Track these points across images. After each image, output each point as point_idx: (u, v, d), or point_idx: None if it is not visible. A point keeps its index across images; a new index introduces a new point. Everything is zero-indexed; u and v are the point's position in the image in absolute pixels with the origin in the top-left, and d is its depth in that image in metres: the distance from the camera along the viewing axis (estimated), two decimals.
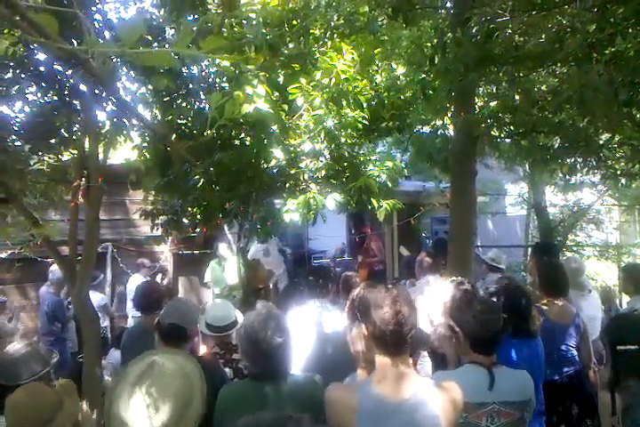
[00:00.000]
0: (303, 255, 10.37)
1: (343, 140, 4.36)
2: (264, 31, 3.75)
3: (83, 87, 3.36)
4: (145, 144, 4.41)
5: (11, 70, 3.44)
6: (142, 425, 1.88)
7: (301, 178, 4.25)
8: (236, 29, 3.84)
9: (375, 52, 5.03)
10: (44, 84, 3.55)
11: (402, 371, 1.89)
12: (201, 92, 4.26)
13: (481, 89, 5.03)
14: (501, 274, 5.24)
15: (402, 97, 5.27)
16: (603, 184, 7.44)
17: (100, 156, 3.61)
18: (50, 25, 0.87)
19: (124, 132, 3.87)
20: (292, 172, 4.22)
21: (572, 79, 3.51)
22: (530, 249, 9.06)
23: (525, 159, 5.65)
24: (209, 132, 3.17)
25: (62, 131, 3.77)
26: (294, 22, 4.16)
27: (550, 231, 9.64)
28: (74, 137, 3.80)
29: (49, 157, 3.72)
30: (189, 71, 4.25)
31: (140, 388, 1.95)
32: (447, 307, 2.72)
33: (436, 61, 4.14)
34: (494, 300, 2.87)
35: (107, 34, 3.48)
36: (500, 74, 4.08)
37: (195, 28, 3.56)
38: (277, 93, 4.05)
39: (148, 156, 4.47)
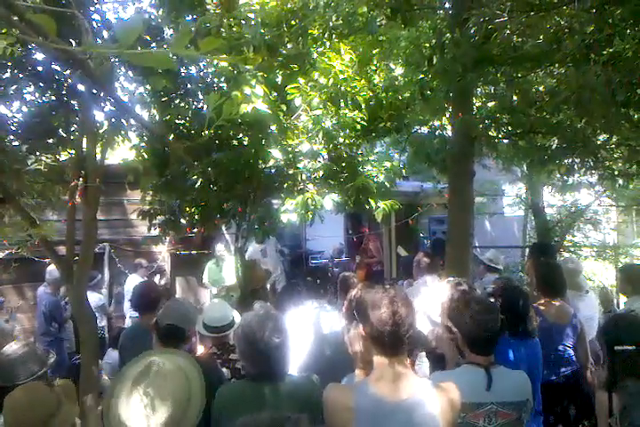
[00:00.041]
0: (301, 256, 10.38)
1: (341, 140, 4.36)
2: (262, 31, 3.76)
3: (80, 87, 3.35)
4: (143, 144, 4.41)
5: (8, 70, 3.44)
6: (141, 425, 1.88)
7: (299, 178, 4.25)
8: (234, 29, 3.84)
9: (373, 52, 5.03)
10: (41, 84, 3.55)
11: (399, 371, 1.89)
12: (199, 93, 4.26)
13: (479, 89, 5.02)
14: (499, 274, 5.27)
15: (400, 97, 5.27)
16: (600, 185, 7.45)
17: (98, 156, 3.60)
18: (48, 25, 0.87)
19: (122, 132, 3.87)
20: (290, 172, 4.22)
21: (569, 80, 3.51)
22: (527, 250, 9.07)
23: (523, 160, 5.65)
24: (207, 132, 3.18)
25: (60, 131, 3.76)
26: (293, 22, 4.15)
27: (548, 232, 9.65)
28: (71, 137, 3.79)
29: (46, 157, 3.71)
30: (187, 71, 4.25)
31: (138, 388, 1.95)
32: (445, 307, 2.72)
33: (435, 62, 4.15)
34: (492, 300, 2.88)
35: (105, 34, 3.47)
36: (498, 74, 4.08)
37: (193, 29, 3.56)
38: (275, 94, 4.05)
39: (145, 156, 4.46)
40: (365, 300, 1.98)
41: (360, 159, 4.70)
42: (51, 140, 3.77)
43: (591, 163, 4.67)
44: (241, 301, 5.15)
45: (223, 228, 6.83)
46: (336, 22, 4.30)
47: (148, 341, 3.05)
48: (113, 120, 3.60)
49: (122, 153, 4.93)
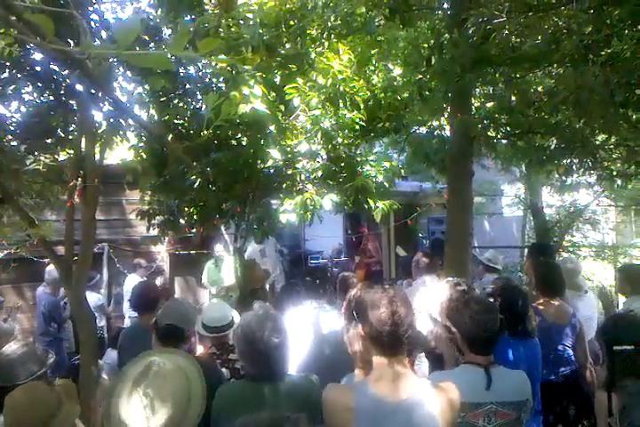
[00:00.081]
0: (300, 256, 10.39)
1: (340, 140, 4.37)
2: (261, 31, 3.75)
3: (79, 87, 3.35)
4: (141, 144, 4.41)
5: (7, 70, 3.43)
6: (142, 426, 1.88)
7: (298, 178, 4.26)
8: (232, 30, 3.84)
9: (372, 52, 5.02)
10: (40, 84, 3.54)
11: (399, 371, 1.89)
12: (198, 93, 4.26)
13: (477, 90, 5.03)
14: (498, 275, 5.27)
15: (399, 97, 5.27)
16: (599, 185, 7.46)
17: (97, 156, 3.60)
18: (46, 25, 0.87)
19: (121, 132, 3.86)
20: (289, 172, 4.22)
21: (568, 80, 3.51)
22: (526, 250, 9.07)
23: (522, 160, 5.65)
24: (206, 132, 3.18)
25: (58, 131, 3.76)
26: (291, 23, 4.15)
27: (547, 232, 9.66)
28: (70, 137, 3.79)
29: (45, 157, 3.71)
30: (186, 71, 4.25)
31: (139, 388, 1.95)
32: (444, 307, 2.72)
33: (433, 62, 4.14)
34: (491, 300, 2.88)
35: (103, 34, 3.47)
36: (497, 75, 4.08)
37: (191, 29, 3.57)
38: (274, 94, 4.05)
39: (144, 156, 4.46)
40: (364, 300, 1.98)
41: (359, 159, 4.71)
42: (49, 140, 3.77)
43: (590, 163, 4.67)
44: (240, 301, 5.15)
45: (222, 228, 6.85)
46: (334, 22, 4.30)
47: (147, 341, 3.06)
48: (111, 120, 3.60)
49: (120, 153, 4.93)
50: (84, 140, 3.54)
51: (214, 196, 4.38)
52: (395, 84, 5.18)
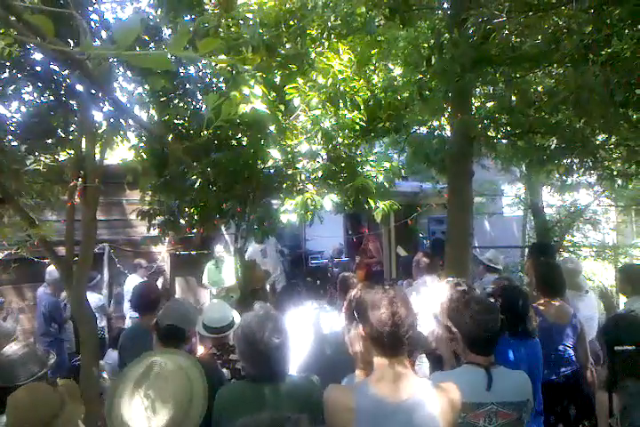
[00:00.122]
0: (300, 256, 10.38)
1: (340, 140, 4.37)
2: (261, 31, 3.75)
3: (79, 87, 3.35)
4: (142, 144, 4.41)
5: (7, 70, 3.44)
6: (144, 426, 1.88)
7: (298, 178, 4.26)
8: (232, 30, 3.84)
9: (372, 52, 5.03)
10: (40, 85, 3.54)
11: (399, 372, 1.89)
12: (198, 93, 4.26)
13: (477, 90, 5.03)
14: (499, 275, 5.27)
15: (399, 97, 5.27)
16: (599, 185, 7.46)
17: (97, 156, 3.60)
18: (45, 26, 0.87)
19: (121, 132, 3.86)
20: (290, 172, 4.22)
21: (568, 80, 3.51)
22: (527, 250, 9.07)
23: (522, 160, 5.65)
24: (206, 132, 3.18)
25: (59, 131, 3.76)
26: (291, 23, 4.15)
27: (547, 232, 9.66)
28: (70, 137, 3.79)
29: (45, 158, 3.71)
30: (186, 71, 4.25)
31: (141, 389, 1.95)
32: (444, 307, 2.72)
33: (433, 62, 4.14)
34: (492, 300, 2.88)
35: (103, 34, 3.47)
36: (497, 75, 4.08)
37: (191, 29, 3.57)
38: (274, 94, 4.05)
39: (144, 156, 4.46)
40: (365, 300, 1.98)
41: (359, 159, 4.71)
42: (49, 141, 3.77)
43: (590, 163, 4.67)
44: (241, 301, 5.14)
45: (222, 228, 6.85)
46: (334, 22, 4.30)
47: (147, 341, 3.06)
48: (112, 120, 3.60)
49: (121, 153, 4.93)
50: (84, 140, 3.54)
51: (215, 196, 4.38)
52: (395, 83, 5.18)
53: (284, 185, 4.34)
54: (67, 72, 3.43)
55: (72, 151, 3.76)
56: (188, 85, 4.22)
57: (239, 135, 4.26)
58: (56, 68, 3.49)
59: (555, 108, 3.95)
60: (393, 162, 4.88)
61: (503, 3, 3.55)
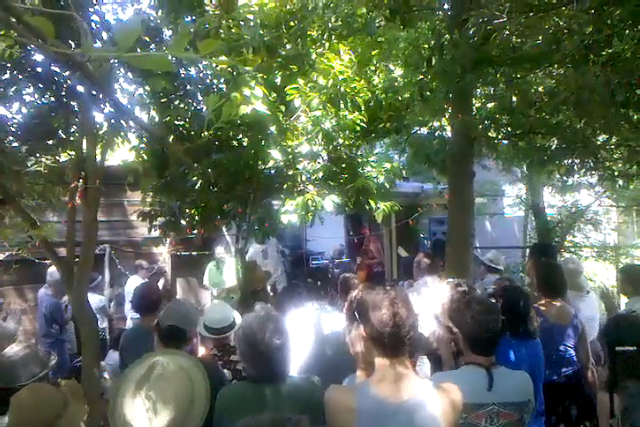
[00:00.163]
0: (301, 257, 10.39)
1: (341, 141, 4.37)
2: (261, 32, 3.76)
3: (80, 88, 3.35)
4: (142, 145, 4.41)
5: (8, 71, 3.44)
6: (145, 426, 1.88)
7: (299, 179, 4.26)
8: (233, 31, 3.84)
9: (372, 53, 5.03)
10: (41, 86, 3.54)
11: (400, 372, 1.89)
12: (198, 94, 4.26)
13: (478, 90, 5.03)
14: (500, 275, 5.26)
15: (399, 98, 5.27)
16: (600, 185, 7.45)
17: (98, 157, 3.60)
18: (45, 28, 0.87)
19: (122, 133, 3.86)
20: (290, 173, 4.22)
21: (569, 80, 3.52)
22: (528, 250, 9.06)
23: (523, 160, 5.65)
24: (206, 133, 3.18)
25: (60, 132, 3.76)
26: (292, 24, 4.16)
27: (548, 232, 9.65)
28: (71, 138, 3.79)
29: (46, 159, 3.71)
30: (187, 72, 4.25)
31: (143, 389, 1.95)
32: (446, 308, 2.72)
33: (434, 63, 4.15)
34: (493, 301, 2.88)
35: (104, 35, 3.47)
36: (498, 75, 4.08)
37: (192, 30, 3.57)
38: (275, 95, 4.06)
39: (145, 157, 4.46)
40: (366, 301, 1.98)
41: (360, 160, 4.71)
42: (50, 142, 3.77)
43: (591, 163, 4.67)
44: (241, 302, 5.14)
45: (223, 229, 6.85)
46: (335, 23, 4.31)
47: (148, 342, 3.06)
48: (113, 121, 3.60)
49: (122, 154, 4.93)
50: (85, 141, 3.54)
51: (215, 197, 4.38)
52: (395, 84, 5.19)
53: (285, 186, 4.34)
54: (67, 73, 3.43)
55: (73, 152, 3.76)
56: (188, 86, 4.22)
57: (240, 136, 4.26)
58: (57, 69, 3.49)
59: (555, 109, 3.95)
60: (394, 163, 4.88)
61: (504, 3, 3.55)
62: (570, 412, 3.41)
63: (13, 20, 0.99)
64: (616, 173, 4.88)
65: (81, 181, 3.48)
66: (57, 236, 4.08)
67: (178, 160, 3.88)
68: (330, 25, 4.29)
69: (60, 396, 2.19)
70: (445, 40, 4.02)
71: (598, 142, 4.53)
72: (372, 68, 5.22)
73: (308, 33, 4.24)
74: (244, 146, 4.23)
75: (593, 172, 5.02)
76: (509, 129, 4.77)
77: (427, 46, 4.66)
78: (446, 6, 4.94)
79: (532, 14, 3.49)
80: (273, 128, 3.93)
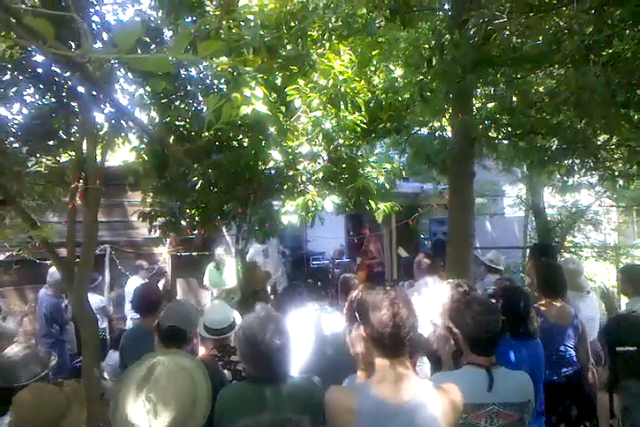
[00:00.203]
0: (302, 257, 10.39)
1: (341, 141, 4.37)
2: (262, 33, 3.76)
3: (80, 89, 3.35)
4: (143, 146, 4.41)
5: (8, 72, 3.44)
6: (148, 426, 1.87)
7: (299, 180, 4.26)
8: (233, 31, 3.84)
9: (373, 53, 5.03)
10: (41, 86, 3.55)
11: (401, 373, 1.89)
12: (199, 94, 4.26)
13: (479, 91, 5.03)
14: (500, 275, 5.26)
15: (400, 98, 5.27)
16: (600, 185, 7.45)
17: (98, 158, 3.60)
18: (45, 29, 0.87)
19: (122, 134, 3.87)
20: (290, 173, 4.23)
21: (569, 81, 3.52)
22: (528, 250, 9.06)
23: (523, 161, 5.65)
24: (207, 133, 3.18)
25: (60, 133, 3.76)
26: (292, 24, 4.16)
27: (548, 232, 9.65)
28: (72, 139, 3.79)
29: (47, 159, 3.71)
30: (187, 73, 4.26)
31: (145, 389, 1.95)
32: (446, 308, 2.72)
33: (434, 63, 4.15)
34: (493, 301, 2.87)
35: (105, 36, 3.47)
36: (498, 75, 4.08)
37: (192, 30, 3.57)
38: (275, 95, 4.06)
39: (145, 157, 4.46)
40: (366, 301, 1.98)
41: (360, 161, 4.71)
42: (51, 142, 3.77)
43: (591, 163, 4.67)
44: (241, 302, 5.14)
45: (224, 229, 6.85)
46: (335, 24, 4.31)
47: (149, 342, 3.06)
48: (113, 122, 3.60)
49: (122, 155, 4.93)
50: (85, 142, 3.54)
51: (216, 197, 4.39)
52: (396, 84, 5.19)
53: (285, 186, 4.35)
54: (68, 74, 3.44)
55: (73, 153, 3.76)
56: (189, 87, 4.23)
57: (240, 137, 4.26)
58: (57, 70, 3.49)
59: (556, 109, 3.95)
60: (394, 163, 4.89)
61: (504, 4, 3.56)
62: (570, 412, 3.41)
63: (13, 21, 0.99)
64: (616, 174, 4.88)
65: (81, 181, 3.48)
66: (57, 236, 4.08)
67: (178, 161, 3.89)
68: (330, 25, 4.29)
69: (63, 396, 2.19)
70: (446, 40, 4.02)
71: (599, 142, 4.53)
72: (373, 68, 5.22)
73: (309, 33, 4.24)
74: (244, 146, 4.23)
75: (593, 172, 5.02)
76: (510, 129, 4.77)
77: (427, 46, 4.66)
78: (446, 6, 4.94)
79: (532, 14, 3.49)
80: (273, 129, 3.93)
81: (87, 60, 1.00)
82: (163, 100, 4.18)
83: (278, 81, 4.19)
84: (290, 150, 4.06)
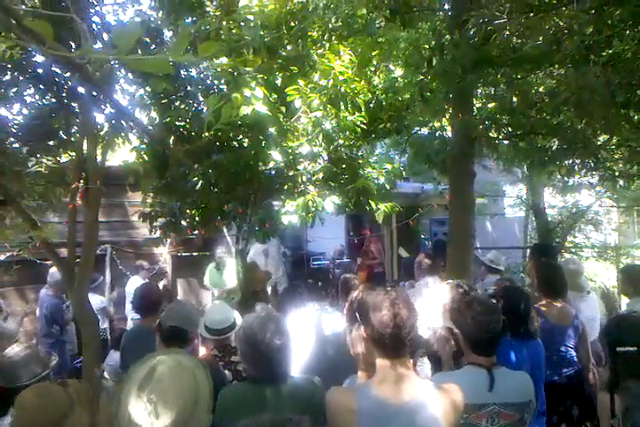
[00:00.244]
0: (302, 257, 10.38)
1: (341, 142, 4.37)
2: (262, 33, 3.76)
3: (81, 89, 3.36)
4: (143, 146, 4.42)
5: (9, 73, 3.44)
6: (151, 426, 1.87)
7: (299, 180, 4.26)
8: (234, 32, 3.84)
9: (373, 53, 5.04)
10: (41, 87, 3.55)
11: (401, 373, 1.89)
12: (199, 94, 4.27)
13: (479, 91, 5.03)
14: (500, 275, 5.26)
15: (400, 99, 5.28)
16: (601, 185, 7.45)
17: (99, 158, 3.60)
18: (44, 30, 0.87)
19: (122, 134, 3.87)
20: (291, 174, 4.23)
21: (569, 81, 3.52)
22: (528, 250, 9.06)
23: (523, 161, 5.65)
24: (207, 134, 3.18)
25: (60, 133, 3.76)
26: (292, 24, 4.16)
27: (549, 233, 9.65)
28: (72, 139, 3.79)
29: (47, 160, 3.71)
30: (188, 73, 4.26)
31: (148, 388, 1.94)
32: (446, 309, 2.72)
33: (434, 63, 4.15)
34: (493, 301, 2.87)
35: (105, 36, 3.47)
36: (498, 76, 4.08)
37: (192, 31, 3.57)
38: (275, 95, 4.06)
39: (146, 158, 4.46)
40: (367, 302, 1.98)
41: (360, 161, 4.71)
42: (51, 143, 3.77)
43: (592, 164, 4.67)
44: (242, 303, 5.15)
45: (224, 229, 6.85)
46: (335, 24, 4.31)
47: (149, 342, 3.06)
48: (113, 122, 3.60)
49: (122, 155, 4.93)
50: (85, 142, 3.54)
51: (216, 197, 4.39)
52: (396, 85, 5.19)
53: (286, 186, 4.35)
54: (68, 74, 3.44)
55: (74, 153, 3.76)
56: (189, 87, 4.23)
57: (240, 137, 4.26)
58: (57, 70, 3.50)
59: (556, 109, 3.96)
60: (394, 163, 4.89)
61: (504, 4, 3.56)
62: (571, 412, 3.41)
63: (13, 21, 0.99)
64: (617, 174, 4.88)
65: (82, 181, 3.48)
66: (58, 236, 4.08)
67: (178, 161, 3.89)
68: (330, 26, 4.29)
69: (66, 396, 2.18)
70: (446, 40, 4.02)
71: (599, 143, 4.53)
72: (373, 68, 5.23)
73: (309, 34, 4.24)
74: (244, 147, 4.23)
75: (593, 172, 5.02)
76: (510, 129, 4.77)
77: (427, 47, 4.67)
78: (446, 7, 4.94)
79: (532, 15, 3.49)
80: (273, 129, 3.93)
81: (87, 60, 1.00)
82: (163, 101, 4.18)
83: (278, 81, 4.19)
84: (290, 151, 4.06)
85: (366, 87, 4.55)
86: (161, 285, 7.14)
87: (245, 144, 4.23)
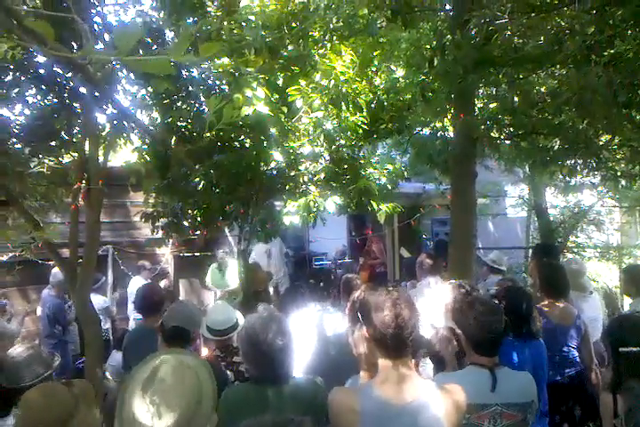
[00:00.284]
0: (304, 258, 10.38)
1: (343, 142, 4.37)
2: (263, 34, 3.76)
3: (82, 90, 3.36)
4: (145, 146, 4.42)
5: (11, 73, 3.45)
6: (154, 425, 1.87)
7: (301, 180, 4.26)
8: (235, 32, 3.84)
9: (374, 54, 5.03)
10: (43, 87, 3.55)
11: (404, 373, 1.89)
12: (201, 95, 4.27)
13: (480, 91, 5.03)
14: (502, 276, 5.25)
15: (401, 99, 5.27)
16: (603, 185, 7.43)
17: (101, 158, 3.61)
18: (45, 31, 0.87)
19: (124, 134, 3.87)
20: (292, 174, 4.23)
21: (571, 81, 3.51)
22: (530, 251, 9.05)
23: (525, 161, 5.65)
24: (208, 134, 3.19)
25: (62, 133, 3.77)
26: (293, 25, 4.16)
27: (551, 233, 9.64)
28: (74, 139, 3.80)
29: (49, 160, 3.72)
30: (189, 74, 4.26)
31: (151, 388, 1.94)
32: (449, 309, 2.72)
33: (436, 63, 4.14)
34: (496, 301, 2.87)
35: (106, 36, 3.48)
36: (500, 76, 4.08)
37: (194, 31, 3.58)
38: (277, 96, 4.06)
39: (148, 158, 4.47)
40: (369, 302, 1.98)
41: (362, 161, 4.71)
42: (53, 143, 3.78)
43: (594, 164, 4.66)
44: (244, 303, 5.15)
45: (226, 230, 6.86)
46: (337, 24, 4.31)
47: (151, 343, 3.07)
48: (115, 123, 3.61)
49: (124, 155, 4.94)
50: (87, 142, 3.55)
51: (218, 198, 4.39)
52: (397, 85, 5.19)
53: (287, 187, 4.35)
54: (70, 75, 3.44)
55: (76, 154, 3.77)
56: (190, 88, 4.23)
57: (242, 137, 4.26)
58: (59, 70, 3.50)
59: (558, 109, 3.95)
60: (396, 163, 4.89)
61: (505, 4, 3.55)
62: (573, 412, 3.41)
63: (14, 22, 0.99)
64: (619, 174, 4.87)
65: (84, 182, 3.49)
66: (60, 237, 4.09)
67: (180, 161, 3.89)
68: (331, 26, 4.29)
69: (72, 395, 2.18)
70: (447, 41, 4.02)
71: (601, 143, 4.52)
72: (374, 68, 5.22)
73: (310, 34, 4.24)
74: (246, 147, 4.23)
75: (595, 172, 5.01)
76: (512, 129, 4.77)
77: (428, 47, 4.66)
78: (448, 7, 4.93)
79: (533, 15, 3.49)
80: (275, 129, 3.93)
81: (88, 61, 1.00)
82: (164, 101, 4.18)
83: (280, 82, 4.19)
84: (291, 151, 4.06)
85: (368, 87, 4.55)
86: (163, 285, 7.16)
87: (247, 144, 4.23)
